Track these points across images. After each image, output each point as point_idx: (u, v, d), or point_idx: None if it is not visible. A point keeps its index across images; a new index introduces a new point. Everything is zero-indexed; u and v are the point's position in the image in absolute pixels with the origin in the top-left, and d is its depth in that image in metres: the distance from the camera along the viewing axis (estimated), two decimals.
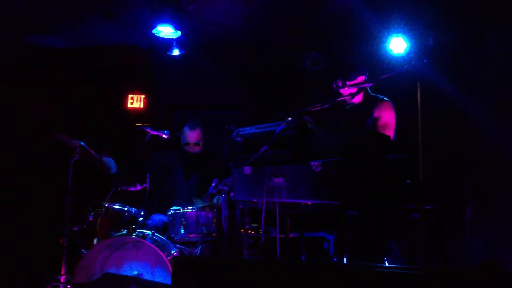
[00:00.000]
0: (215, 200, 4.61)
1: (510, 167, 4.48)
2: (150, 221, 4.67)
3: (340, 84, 4.29)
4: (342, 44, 5.79)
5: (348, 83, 4.26)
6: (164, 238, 4.37)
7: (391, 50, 4.43)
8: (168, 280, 3.94)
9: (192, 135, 4.96)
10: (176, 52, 5.49)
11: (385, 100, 4.28)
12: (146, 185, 5.00)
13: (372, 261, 3.56)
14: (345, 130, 4.39)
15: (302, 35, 6.10)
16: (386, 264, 3.78)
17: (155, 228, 4.44)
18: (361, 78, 4.29)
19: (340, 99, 4.25)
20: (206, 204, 4.45)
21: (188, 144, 4.97)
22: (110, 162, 4.75)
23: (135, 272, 4.17)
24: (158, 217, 4.74)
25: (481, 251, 4.60)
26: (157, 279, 4.14)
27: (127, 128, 6.23)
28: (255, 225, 4.63)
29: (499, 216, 4.56)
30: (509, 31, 4.51)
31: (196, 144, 4.97)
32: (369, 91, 4.35)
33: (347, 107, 4.39)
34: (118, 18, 5.59)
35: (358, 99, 4.35)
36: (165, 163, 5.06)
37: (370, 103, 4.29)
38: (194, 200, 4.56)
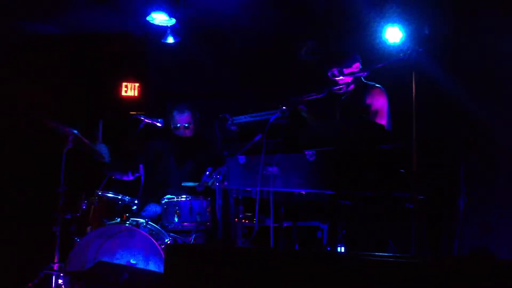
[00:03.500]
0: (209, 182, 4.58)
1: (503, 157, 4.50)
2: (145, 213, 4.66)
3: (336, 72, 4.27)
4: (337, 33, 5.77)
5: (345, 71, 4.23)
6: (157, 227, 4.37)
7: (386, 40, 4.42)
8: (161, 269, 3.93)
9: (181, 118, 4.91)
10: (170, 39, 5.45)
11: (377, 86, 4.25)
12: (139, 174, 4.98)
13: (365, 250, 3.57)
14: (340, 119, 4.38)
15: (297, 24, 6.07)
16: (379, 253, 3.79)
17: (149, 219, 4.43)
18: (356, 66, 4.27)
19: (335, 88, 4.23)
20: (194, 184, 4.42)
21: (178, 128, 4.92)
22: (104, 149, 4.73)
23: (129, 260, 4.18)
24: (153, 209, 4.72)
25: (473, 240, 4.63)
26: (151, 268, 4.15)
27: (121, 116, 6.20)
28: (249, 214, 4.63)
29: (491, 205, 4.58)
30: (503, 21, 4.51)
31: (186, 127, 4.92)
32: (362, 78, 4.33)
33: (342, 97, 4.37)
34: (112, 4, 5.54)
35: (352, 87, 4.33)
36: (157, 151, 5.03)
37: (362, 90, 4.27)
38: (183, 183, 4.55)
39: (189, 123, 4.92)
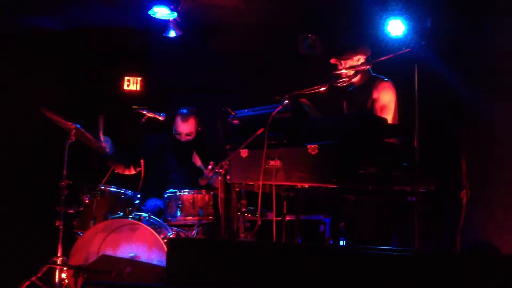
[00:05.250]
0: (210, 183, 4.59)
1: (506, 150, 4.49)
2: (145, 207, 4.66)
3: (335, 62, 4.24)
4: (339, 26, 5.75)
5: (344, 62, 4.20)
6: (160, 221, 4.38)
7: (389, 33, 4.40)
8: (164, 263, 3.95)
9: (184, 127, 4.87)
10: (172, 33, 5.44)
11: (385, 80, 4.18)
12: (141, 169, 4.97)
13: (367, 244, 3.57)
14: (346, 112, 4.35)
15: (300, 17, 6.05)
16: (382, 246, 3.79)
17: (150, 213, 4.44)
18: (358, 57, 4.22)
19: (338, 81, 4.21)
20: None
21: (179, 134, 4.91)
22: (107, 141, 4.72)
23: (132, 254, 4.18)
24: (153, 203, 4.73)
25: (475, 234, 4.62)
26: (154, 261, 4.15)
27: (124, 110, 6.20)
28: (252, 208, 4.64)
29: (493, 199, 4.57)
30: (506, 14, 4.49)
31: (188, 135, 4.91)
32: (371, 71, 4.28)
33: (349, 89, 4.34)
34: None
35: (359, 79, 4.28)
36: (159, 146, 5.01)
37: (370, 84, 4.22)
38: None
39: (191, 132, 4.89)
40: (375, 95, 4.14)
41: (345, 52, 4.21)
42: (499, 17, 4.56)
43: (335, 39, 5.78)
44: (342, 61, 4.19)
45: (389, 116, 4.06)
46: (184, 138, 4.91)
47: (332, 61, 4.25)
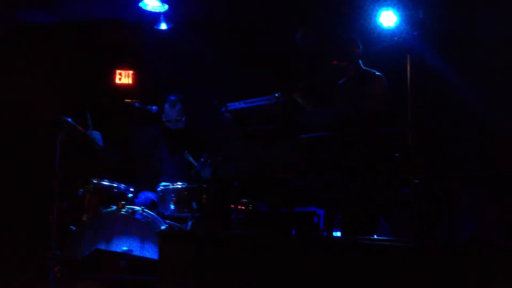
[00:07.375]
0: (203, 175, 4.60)
1: (500, 142, 4.50)
2: (138, 199, 4.65)
3: (335, 63, 4.23)
4: (332, 17, 5.73)
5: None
6: (153, 214, 4.37)
7: (381, 24, 4.39)
8: (157, 256, 3.94)
9: (173, 112, 4.88)
10: (163, 26, 5.42)
11: (377, 74, 4.21)
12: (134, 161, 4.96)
13: (362, 235, 3.58)
14: (337, 105, 4.35)
15: (292, 8, 6.03)
16: (376, 237, 3.80)
17: (143, 206, 4.43)
18: (353, 51, 4.22)
19: (332, 73, 4.20)
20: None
21: (170, 121, 4.91)
22: (97, 136, 4.71)
23: (125, 248, 4.18)
24: (145, 195, 4.72)
25: (470, 226, 4.64)
26: (147, 255, 4.15)
27: (116, 103, 6.17)
28: (245, 200, 4.63)
29: (489, 191, 4.58)
30: (499, 5, 4.49)
31: (178, 120, 4.90)
32: (362, 65, 4.29)
33: (340, 82, 4.34)
34: None
35: (350, 72, 4.28)
36: (150, 138, 5.00)
37: (362, 78, 4.23)
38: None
39: (181, 116, 4.89)
40: (368, 89, 4.15)
41: (348, 53, 4.20)
42: (491, 8, 4.56)
43: (327, 31, 5.76)
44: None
45: (382, 109, 4.06)
46: (175, 125, 4.89)
47: (334, 61, 4.23)
